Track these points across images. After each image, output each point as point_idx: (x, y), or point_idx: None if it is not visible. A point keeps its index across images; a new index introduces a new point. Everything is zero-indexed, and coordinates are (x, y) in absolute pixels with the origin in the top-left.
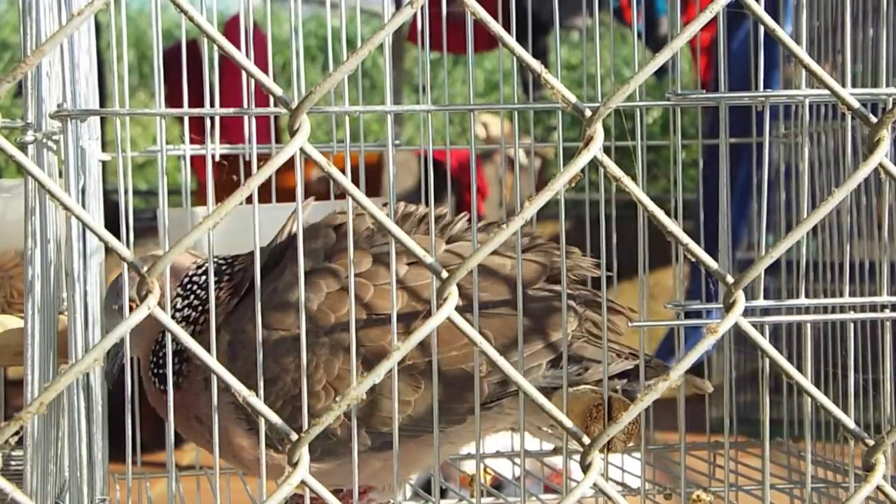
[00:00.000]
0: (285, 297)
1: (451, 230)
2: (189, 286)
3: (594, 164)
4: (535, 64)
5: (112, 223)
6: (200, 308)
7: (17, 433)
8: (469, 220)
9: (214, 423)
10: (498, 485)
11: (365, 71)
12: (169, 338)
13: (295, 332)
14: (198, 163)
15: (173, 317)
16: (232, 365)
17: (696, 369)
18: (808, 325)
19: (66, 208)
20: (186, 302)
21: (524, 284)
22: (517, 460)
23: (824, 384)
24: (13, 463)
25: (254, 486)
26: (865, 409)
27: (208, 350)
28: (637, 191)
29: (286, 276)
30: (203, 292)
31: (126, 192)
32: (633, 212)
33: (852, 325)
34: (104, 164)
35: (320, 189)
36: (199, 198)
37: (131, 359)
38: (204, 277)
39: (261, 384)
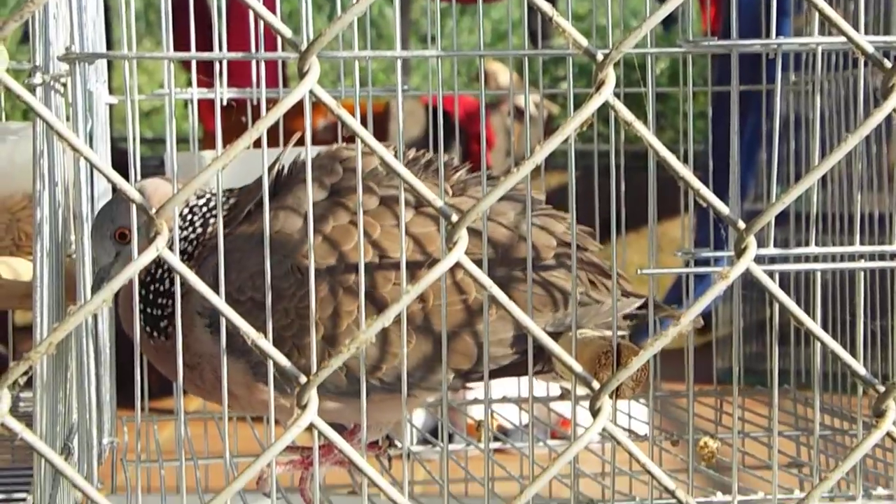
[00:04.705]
0: (285, 226)
1: (454, 177)
2: (187, 218)
3: (603, 116)
4: (547, 7)
5: (118, 170)
6: (195, 241)
7: (26, 373)
8: (470, 171)
9: (224, 368)
10: (505, 431)
11: (372, 20)
12: (177, 279)
13: (292, 260)
14: (205, 111)
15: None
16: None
17: (704, 319)
18: (818, 273)
19: (74, 149)
20: (182, 235)
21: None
22: (524, 406)
23: (832, 334)
24: (22, 405)
25: (261, 431)
26: (874, 359)
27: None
28: (648, 135)
29: (289, 199)
30: (200, 223)
31: (133, 137)
32: (641, 162)
33: (862, 273)
34: (110, 112)
35: (326, 138)
36: (205, 145)
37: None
38: (197, 212)
39: (269, 326)
